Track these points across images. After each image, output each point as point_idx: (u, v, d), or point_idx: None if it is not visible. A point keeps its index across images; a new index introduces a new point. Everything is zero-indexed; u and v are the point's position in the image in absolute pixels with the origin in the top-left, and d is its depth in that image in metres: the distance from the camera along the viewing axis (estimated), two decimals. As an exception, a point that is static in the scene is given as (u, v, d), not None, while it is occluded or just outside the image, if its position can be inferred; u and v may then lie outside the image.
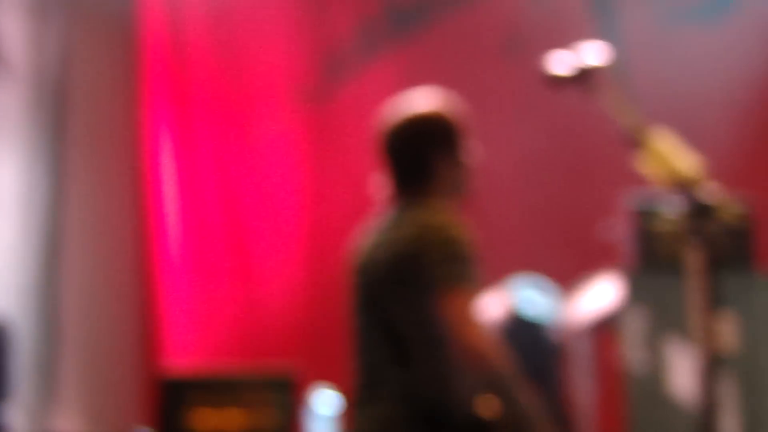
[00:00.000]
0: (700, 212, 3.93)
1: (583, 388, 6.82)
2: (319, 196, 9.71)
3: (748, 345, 6.70)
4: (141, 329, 9.30)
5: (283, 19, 9.89)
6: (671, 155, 4.04)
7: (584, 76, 4.23)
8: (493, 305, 6.03)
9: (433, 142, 4.69)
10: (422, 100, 4.76)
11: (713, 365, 3.84)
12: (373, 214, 4.84)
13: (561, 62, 4.24)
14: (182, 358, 8.88)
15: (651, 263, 6.94)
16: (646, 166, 4.03)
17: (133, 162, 9.47)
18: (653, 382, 6.49)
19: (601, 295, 6.85)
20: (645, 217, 7.05)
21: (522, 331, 6.61)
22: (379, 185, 4.86)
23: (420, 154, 4.70)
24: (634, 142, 4.09)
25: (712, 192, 3.93)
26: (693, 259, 3.90)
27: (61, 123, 9.22)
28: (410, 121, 4.72)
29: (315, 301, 9.28)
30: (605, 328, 6.97)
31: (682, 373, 6.41)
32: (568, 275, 7.41)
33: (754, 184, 7.79)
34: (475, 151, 4.71)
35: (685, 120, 8.92)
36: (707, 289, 3.86)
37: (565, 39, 4.49)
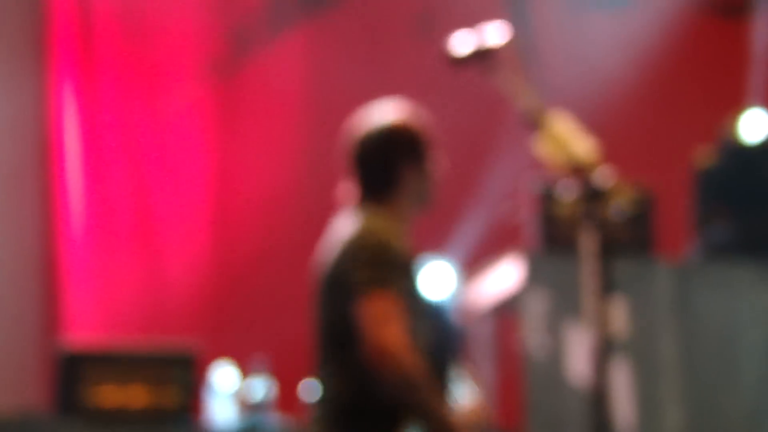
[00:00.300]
0: (595, 196, 3.96)
1: (484, 371, 6.89)
2: (226, 170, 9.68)
3: (645, 328, 6.82)
4: (41, 303, 9.25)
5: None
6: (568, 139, 4.06)
7: (484, 56, 4.26)
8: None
9: (401, 151, 4.65)
10: (392, 109, 4.74)
11: (606, 349, 3.89)
12: (337, 218, 4.81)
13: (463, 42, 4.28)
14: (84, 333, 8.85)
15: (551, 247, 7.03)
16: (543, 148, 4.08)
17: (36, 133, 9.40)
18: (552, 366, 6.56)
19: (503, 278, 6.88)
20: (546, 201, 7.12)
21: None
22: (345, 190, 4.73)
23: (387, 163, 4.66)
24: (532, 124, 4.14)
25: (607, 176, 3.97)
26: (587, 243, 3.96)
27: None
28: (380, 130, 4.67)
29: (218, 278, 9.29)
30: (507, 312, 7.03)
31: (580, 357, 6.49)
32: (471, 258, 7.48)
33: (654, 167, 7.85)
34: (441, 163, 4.70)
35: (589, 101, 9.09)
36: (601, 272, 3.92)
37: (475, 21, 4.52)
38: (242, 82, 9.95)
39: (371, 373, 4.32)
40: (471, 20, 4.56)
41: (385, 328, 4.33)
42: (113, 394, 6.47)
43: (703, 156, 7.70)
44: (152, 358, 6.68)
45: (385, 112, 4.72)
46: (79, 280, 9.20)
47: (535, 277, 6.75)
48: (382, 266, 4.44)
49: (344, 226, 4.61)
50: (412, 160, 4.67)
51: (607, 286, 3.88)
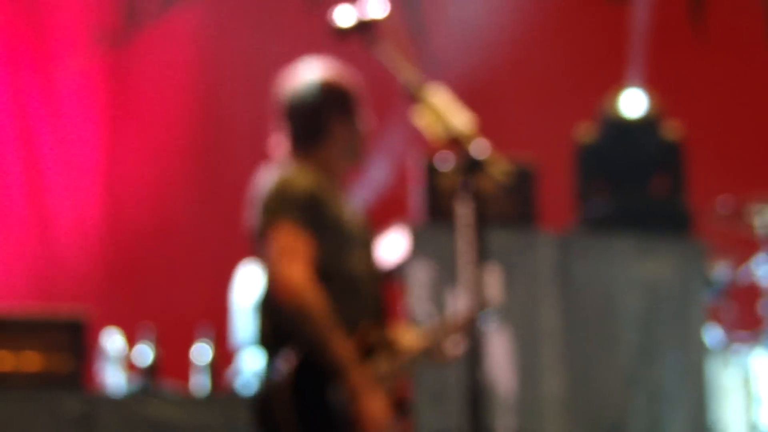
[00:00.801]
0: (472, 168, 4.13)
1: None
2: (117, 141, 9.64)
3: (527, 297, 6.98)
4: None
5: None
6: (446, 111, 4.22)
7: (366, 29, 4.41)
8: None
9: (331, 106, 4.81)
10: (321, 67, 4.89)
11: (481, 316, 4.05)
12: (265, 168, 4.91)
13: (347, 15, 4.38)
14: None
15: (435, 218, 7.17)
16: (422, 120, 4.23)
17: None
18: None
19: (390, 248, 6.88)
20: (430, 173, 7.23)
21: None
22: (276, 142, 4.89)
23: (316, 117, 4.80)
24: (412, 96, 4.30)
25: (484, 148, 4.14)
26: (464, 214, 4.11)
27: None
28: (309, 85, 4.82)
29: (109, 248, 9.25)
30: (393, 280, 7.12)
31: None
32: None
33: (537, 141, 8.00)
34: (369, 121, 4.88)
35: (474, 76, 9.21)
36: (477, 242, 4.05)
37: None
38: (134, 53, 9.88)
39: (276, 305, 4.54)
40: None
41: (287, 263, 4.50)
42: (6, 359, 6.46)
43: (584, 132, 7.86)
44: (44, 325, 6.66)
45: (314, 69, 4.89)
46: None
47: (418, 247, 6.89)
48: (284, 202, 4.63)
49: (265, 179, 4.74)
50: (341, 115, 4.86)
51: (483, 256, 4.05)
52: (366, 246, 4.87)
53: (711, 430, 7.55)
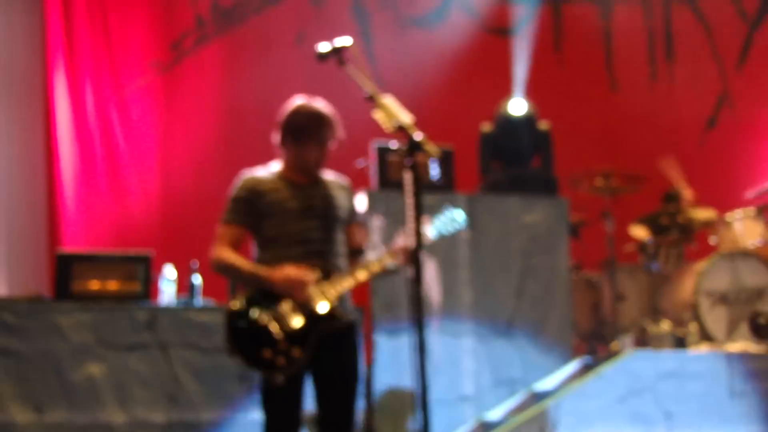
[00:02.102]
0: (412, 148, 4.18)
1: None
2: (168, 132, 9.71)
3: (448, 239, 6.96)
4: (46, 221, 9.15)
5: (142, 4, 9.90)
6: (394, 111, 4.30)
7: (337, 53, 4.49)
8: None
9: (283, 132, 4.90)
10: (299, 104, 4.93)
11: (418, 253, 4.06)
12: None
13: (324, 46, 4.50)
14: (75, 243, 8.85)
15: (385, 184, 7.19)
16: (379, 117, 4.29)
17: (42, 115, 9.36)
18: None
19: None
20: (383, 153, 7.28)
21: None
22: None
23: (278, 137, 4.93)
24: (372, 101, 4.35)
25: (420, 136, 4.18)
26: (408, 181, 4.15)
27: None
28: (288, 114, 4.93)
29: (165, 206, 9.36)
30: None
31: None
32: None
33: (455, 132, 7.99)
34: (315, 148, 4.86)
35: (410, 88, 9.17)
36: (416, 201, 4.08)
37: (335, 35, 4.68)
38: (179, 75, 9.89)
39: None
40: (332, 35, 4.71)
41: (214, 246, 4.87)
42: (96, 284, 6.48)
43: (485, 126, 7.87)
44: (122, 259, 6.65)
45: (295, 105, 4.94)
46: (71, 206, 9.18)
47: (373, 206, 6.90)
48: (228, 204, 4.97)
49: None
50: (288, 140, 4.92)
51: (419, 209, 4.10)
52: (307, 213, 4.86)
53: (573, 325, 7.60)
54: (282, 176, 4.93)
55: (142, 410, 6.17)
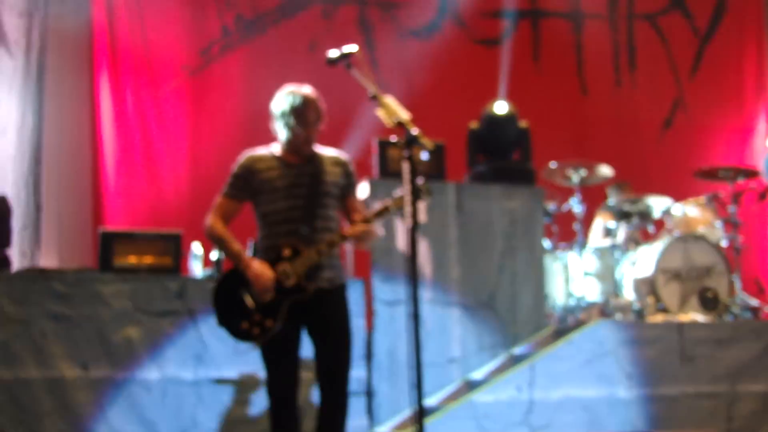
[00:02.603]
0: (410, 143, 4.15)
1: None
2: (197, 127, 9.66)
3: (439, 220, 6.89)
4: (91, 203, 9.17)
5: (175, 15, 9.82)
6: (394, 109, 4.26)
7: (345, 59, 4.46)
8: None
9: (277, 115, 4.91)
10: (290, 91, 4.92)
11: (415, 230, 4.05)
12: None
13: (333, 52, 4.47)
14: (116, 222, 8.84)
15: (385, 174, 7.12)
16: (381, 114, 4.27)
17: (88, 110, 9.36)
18: (388, 241, 6.63)
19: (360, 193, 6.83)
20: (383, 146, 7.19)
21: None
22: None
23: (278, 120, 4.92)
24: (375, 100, 4.31)
25: (417, 132, 4.14)
26: (406, 170, 4.12)
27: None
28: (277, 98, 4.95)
29: (193, 191, 9.26)
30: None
31: (403, 236, 6.59)
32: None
33: (447, 129, 7.90)
34: (305, 129, 4.85)
35: (407, 91, 9.11)
36: (412, 187, 4.08)
37: (342, 42, 4.64)
38: (207, 78, 9.85)
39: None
40: (340, 44, 4.67)
41: (210, 214, 4.91)
42: (132, 259, 6.47)
43: (473, 124, 7.82)
44: (156, 236, 6.62)
45: (281, 91, 4.99)
46: (112, 190, 9.18)
47: (374, 193, 6.83)
48: (229, 178, 5.00)
49: None
50: (285, 122, 4.90)
51: (416, 195, 4.08)
52: (292, 191, 4.84)
53: (546, 297, 7.58)
54: (278, 156, 4.91)
55: (173, 368, 6.16)
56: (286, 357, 4.77)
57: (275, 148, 4.96)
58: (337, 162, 5.00)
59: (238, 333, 4.73)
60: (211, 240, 4.99)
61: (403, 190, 4.41)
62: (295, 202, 4.80)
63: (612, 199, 8.68)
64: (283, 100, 4.90)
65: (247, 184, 4.90)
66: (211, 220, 4.90)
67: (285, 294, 4.68)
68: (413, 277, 4.04)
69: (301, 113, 4.83)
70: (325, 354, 4.82)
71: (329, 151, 5.04)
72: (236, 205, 4.94)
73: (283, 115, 4.87)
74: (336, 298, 4.87)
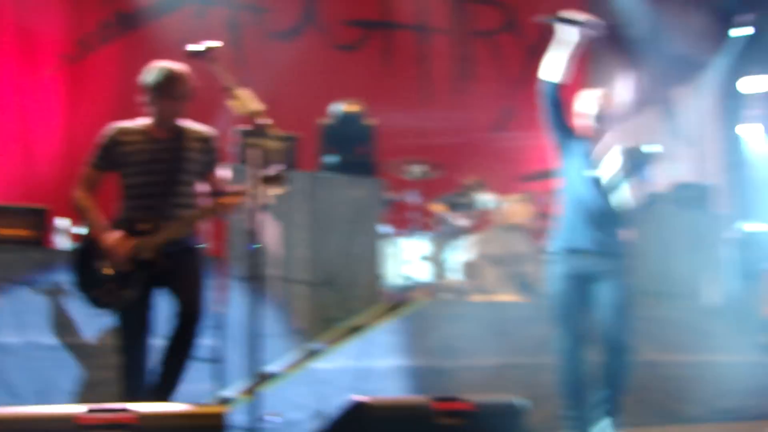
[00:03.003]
0: (259, 132, 4.10)
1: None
2: (72, 107, 9.29)
3: (290, 205, 6.89)
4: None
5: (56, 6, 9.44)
6: (248, 100, 4.20)
7: (206, 52, 4.36)
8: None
9: (147, 88, 4.69)
10: (161, 67, 4.72)
11: (260, 211, 4.02)
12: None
13: (194, 46, 4.45)
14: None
15: (242, 159, 6.91)
16: (233, 105, 4.20)
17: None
18: (243, 222, 6.56)
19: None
20: (239, 134, 7.01)
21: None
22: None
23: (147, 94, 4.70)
24: (228, 91, 4.24)
25: (268, 122, 4.08)
26: (255, 158, 4.06)
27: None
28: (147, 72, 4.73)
29: (64, 169, 8.83)
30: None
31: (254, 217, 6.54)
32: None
33: (302, 124, 7.88)
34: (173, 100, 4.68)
35: (271, 88, 8.98)
36: (261, 173, 4.05)
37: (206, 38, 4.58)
38: (84, 68, 9.53)
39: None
40: (205, 37, 4.64)
41: (76, 184, 4.70)
42: (2, 231, 6.26)
43: (323, 119, 7.81)
44: (24, 210, 6.43)
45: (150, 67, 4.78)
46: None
47: (236, 178, 6.71)
48: (93, 149, 4.73)
49: None
50: (153, 94, 4.67)
51: (264, 181, 4.05)
52: (152, 166, 4.65)
53: (382, 277, 7.61)
54: (145, 130, 4.70)
55: (34, 334, 5.94)
56: (138, 323, 4.64)
57: (144, 122, 4.76)
58: (201, 138, 4.80)
59: (95, 300, 4.56)
60: (76, 210, 4.71)
61: (253, 176, 4.33)
62: (154, 177, 4.63)
63: (450, 193, 8.79)
64: (152, 73, 4.70)
65: (109, 154, 4.65)
66: (76, 190, 4.67)
67: (141, 266, 4.53)
68: (258, 255, 4.01)
69: (168, 86, 4.63)
70: (181, 293, 4.63)
71: (196, 127, 4.85)
72: (98, 174, 4.69)
73: (151, 87, 4.66)
74: (189, 256, 4.74)
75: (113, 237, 4.51)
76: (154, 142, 4.66)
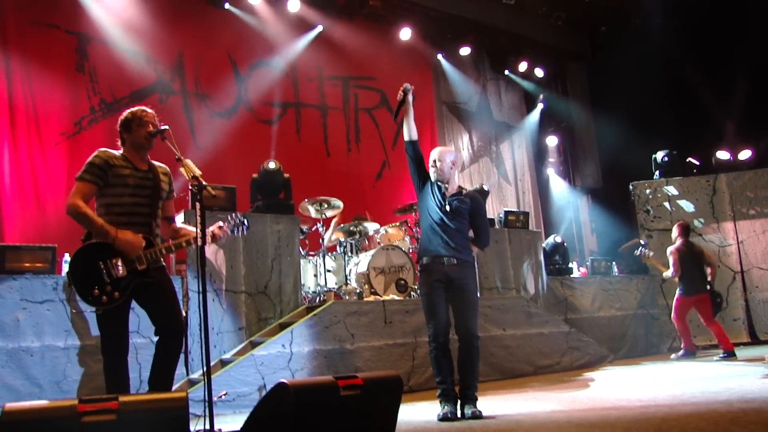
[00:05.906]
0: (200, 188, 3.93)
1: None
2: (71, 179, 8.72)
3: (232, 239, 6.70)
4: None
5: (57, 94, 8.94)
6: (192, 167, 4.03)
7: (159, 132, 4.15)
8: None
9: (123, 124, 4.24)
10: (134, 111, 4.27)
11: (203, 246, 3.83)
12: None
13: (153, 130, 4.18)
14: (11, 239, 7.97)
15: (193, 207, 6.77)
16: (183, 170, 4.02)
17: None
18: (196, 251, 6.33)
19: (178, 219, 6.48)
20: (193, 190, 6.85)
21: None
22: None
23: (123, 129, 4.24)
24: (179, 161, 4.04)
25: (203, 182, 3.92)
26: (199, 208, 3.90)
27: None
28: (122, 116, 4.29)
29: (71, 219, 8.39)
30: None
31: (207, 248, 6.31)
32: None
33: (237, 179, 7.69)
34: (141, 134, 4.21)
35: (214, 155, 8.76)
36: (202, 222, 3.89)
37: (171, 122, 4.34)
38: (80, 140, 9.10)
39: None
40: (170, 120, 4.32)
41: (72, 196, 3.97)
42: (20, 264, 5.86)
43: (254, 175, 7.66)
44: (38, 248, 5.98)
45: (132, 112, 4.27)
46: (9, 215, 8.30)
47: (186, 219, 6.51)
48: (86, 166, 4.06)
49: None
50: (126, 130, 4.24)
51: (204, 223, 3.88)
52: (138, 190, 4.12)
53: (301, 286, 7.45)
54: (128, 157, 4.20)
55: (49, 338, 5.67)
56: (120, 324, 4.03)
57: (120, 152, 4.26)
58: (165, 173, 4.39)
59: (90, 297, 3.88)
60: (75, 217, 3.95)
61: (204, 222, 4.07)
62: (140, 199, 4.14)
63: (347, 224, 8.74)
64: (128, 112, 4.29)
65: (104, 173, 4.03)
66: (73, 200, 3.95)
67: (134, 275, 4.01)
68: (203, 276, 3.81)
69: (142, 119, 4.21)
70: (162, 308, 4.09)
71: (159, 164, 4.40)
72: (92, 189, 4.01)
73: (128, 121, 4.23)
74: (164, 273, 4.21)
75: (127, 234, 3.98)
76: (138, 170, 4.19)
